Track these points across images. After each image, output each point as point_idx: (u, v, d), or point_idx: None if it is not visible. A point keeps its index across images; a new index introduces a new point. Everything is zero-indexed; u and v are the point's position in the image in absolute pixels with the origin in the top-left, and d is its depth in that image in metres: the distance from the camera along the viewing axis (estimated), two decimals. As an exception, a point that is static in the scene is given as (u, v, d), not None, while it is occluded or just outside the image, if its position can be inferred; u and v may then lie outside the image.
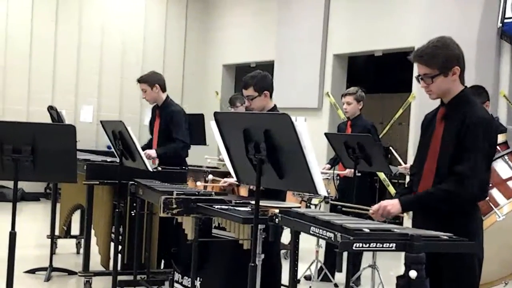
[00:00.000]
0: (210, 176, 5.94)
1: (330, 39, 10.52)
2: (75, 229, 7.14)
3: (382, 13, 9.58)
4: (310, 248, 6.22)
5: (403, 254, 2.57)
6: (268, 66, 11.22)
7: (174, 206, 3.99)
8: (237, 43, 12.76)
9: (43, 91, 11.87)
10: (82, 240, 5.93)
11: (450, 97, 3.20)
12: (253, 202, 3.21)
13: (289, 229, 3.40)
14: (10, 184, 3.64)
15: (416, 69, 3.27)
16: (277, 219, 3.25)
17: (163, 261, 5.72)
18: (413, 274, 2.49)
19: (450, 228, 2.84)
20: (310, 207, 6.05)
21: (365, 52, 10.34)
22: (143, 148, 5.42)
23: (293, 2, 11.13)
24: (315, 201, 6.09)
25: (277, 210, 3.41)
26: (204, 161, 7.89)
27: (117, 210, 5.01)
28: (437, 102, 3.31)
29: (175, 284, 4.82)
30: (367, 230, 2.58)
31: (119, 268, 5.16)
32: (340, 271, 2.70)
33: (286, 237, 5.23)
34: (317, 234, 2.81)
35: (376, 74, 12.85)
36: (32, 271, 5.99)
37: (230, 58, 13.06)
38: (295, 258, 3.37)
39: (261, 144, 2.93)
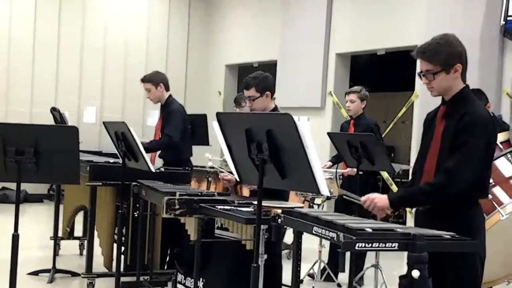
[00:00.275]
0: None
1: (333, 38, 10.52)
2: (78, 231, 7.14)
3: (384, 11, 9.57)
4: (313, 248, 6.21)
5: (406, 253, 2.56)
6: (271, 66, 11.22)
7: (177, 207, 3.99)
8: (239, 43, 12.76)
9: (46, 93, 11.88)
10: (85, 241, 5.95)
11: (451, 95, 3.20)
12: (255, 202, 3.21)
13: (292, 229, 3.39)
14: (13, 185, 3.63)
15: (419, 66, 3.27)
16: (279, 219, 3.25)
17: (166, 262, 5.72)
18: (415, 273, 2.48)
19: (452, 225, 2.85)
20: (313, 207, 6.05)
21: (368, 51, 10.33)
22: None
23: (295, 2, 11.12)
24: (318, 200, 6.09)
25: (279, 210, 3.40)
26: (206, 160, 7.88)
27: (120, 211, 5.01)
28: (440, 100, 3.31)
29: (178, 285, 4.81)
30: (369, 230, 2.58)
31: (122, 269, 5.16)
32: (343, 271, 2.70)
33: (289, 237, 5.23)
34: (320, 234, 2.81)
35: (379, 73, 12.83)
36: (35, 273, 6.00)
37: (233, 58, 13.06)
38: (298, 258, 3.36)
39: (263, 144, 2.93)
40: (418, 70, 3.28)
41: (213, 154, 8.34)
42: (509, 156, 4.55)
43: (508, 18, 7.75)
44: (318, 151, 2.81)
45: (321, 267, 6.24)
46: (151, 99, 6.33)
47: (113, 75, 12.59)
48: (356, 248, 2.50)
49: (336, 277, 6.18)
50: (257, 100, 4.49)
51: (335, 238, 2.63)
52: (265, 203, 3.42)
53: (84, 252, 6.35)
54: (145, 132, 11.82)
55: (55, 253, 6.10)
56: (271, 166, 2.95)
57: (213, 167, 5.66)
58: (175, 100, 6.33)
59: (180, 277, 4.80)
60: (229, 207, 3.84)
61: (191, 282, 4.58)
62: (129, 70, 12.58)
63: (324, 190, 2.86)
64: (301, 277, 4.30)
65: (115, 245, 5.49)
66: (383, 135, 7.30)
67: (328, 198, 5.80)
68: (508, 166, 4.53)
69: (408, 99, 9.38)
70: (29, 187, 11.15)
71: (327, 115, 10.58)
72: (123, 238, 5.44)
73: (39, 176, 3.62)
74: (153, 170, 4.78)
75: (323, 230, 2.76)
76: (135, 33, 12.81)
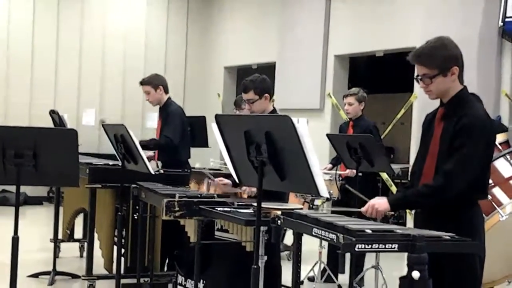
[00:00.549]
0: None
1: (331, 40, 10.52)
2: (78, 233, 7.14)
3: (382, 13, 9.58)
4: (313, 249, 6.21)
5: (406, 254, 2.57)
6: (270, 68, 11.22)
7: (177, 208, 4.00)
8: (238, 45, 12.76)
9: (45, 97, 11.87)
10: (85, 243, 5.94)
11: (449, 97, 3.20)
12: (255, 204, 3.21)
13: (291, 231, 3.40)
14: (12, 188, 3.63)
15: (416, 70, 3.27)
16: (279, 221, 3.25)
17: (166, 264, 5.72)
18: (416, 274, 2.49)
19: (451, 226, 2.86)
20: (313, 208, 6.05)
21: (366, 52, 10.33)
22: None
23: (294, 4, 11.12)
24: (318, 202, 6.09)
25: (279, 212, 3.41)
26: (207, 163, 7.90)
27: (120, 213, 5.01)
28: (439, 101, 3.31)
29: (178, 287, 4.82)
30: (369, 231, 2.59)
31: (122, 271, 5.17)
32: (343, 272, 2.71)
33: (289, 238, 5.23)
34: (320, 236, 2.81)
35: (378, 75, 12.83)
36: (35, 275, 5.99)
37: (232, 60, 13.06)
38: (298, 260, 3.37)
39: (262, 146, 2.93)
40: (415, 74, 3.28)
41: (213, 156, 8.38)
42: (508, 157, 4.56)
43: (506, 20, 7.75)
44: (317, 152, 2.81)
45: (321, 268, 6.24)
46: (150, 102, 6.34)
47: (112, 78, 12.58)
48: (356, 249, 2.51)
49: (337, 278, 6.18)
50: (256, 102, 4.51)
51: (335, 240, 2.64)
52: (264, 204, 3.42)
53: (84, 254, 6.36)
54: (144, 135, 11.82)
55: (55, 255, 6.10)
56: (270, 168, 2.96)
57: (211, 169, 5.68)
58: (174, 102, 6.35)
59: (180, 279, 4.80)
60: (228, 209, 3.84)
61: (191, 284, 4.59)
62: (128, 72, 12.58)
63: (324, 191, 2.87)
64: (301, 279, 4.31)
65: (115, 247, 5.49)
66: (382, 137, 7.30)
67: (327, 199, 5.80)
68: (507, 166, 4.54)
69: (407, 101, 9.38)
70: (28, 190, 11.14)
71: (326, 117, 10.58)
72: (123, 240, 5.44)
73: (39, 179, 3.61)
74: (152, 172, 4.78)
75: (323, 232, 2.77)
76: (133, 36, 12.80)
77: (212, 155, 8.86)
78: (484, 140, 3.08)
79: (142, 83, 6.28)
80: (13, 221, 3.55)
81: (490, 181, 3.60)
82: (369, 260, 6.09)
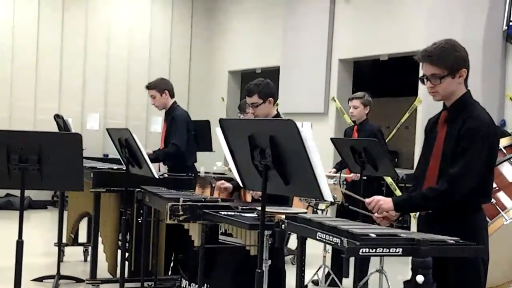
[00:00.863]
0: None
1: (335, 44, 10.52)
2: (82, 237, 7.15)
3: (386, 17, 9.58)
4: (317, 253, 6.20)
5: (411, 258, 2.56)
6: (274, 72, 11.23)
7: (181, 213, 4.00)
8: (242, 49, 12.77)
9: (50, 100, 11.90)
10: (90, 247, 5.94)
11: (453, 100, 3.20)
12: (259, 208, 3.21)
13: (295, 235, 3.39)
14: (17, 192, 3.64)
15: (421, 70, 3.26)
16: (283, 225, 3.25)
17: (170, 268, 5.72)
18: (420, 279, 2.48)
19: (455, 230, 2.86)
20: (317, 212, 6.04)
21: (371, 56, 10.33)
22: None
23: (298, 8, 11.13)
24: (322, 206, 6.08)
25: (283, 216, 3.40)
26: (212, 167, 7.89)
27: (124, 217, 5.02)
28: (442, 105, 3.31)
29: (183, 291, 4.82)
30: (373, 235, 2.58)
31: (126, 275, 5.17)
32: (347, 276, 2.70)
33: (293, 242, 5.23)
34: (324, 240, 2.81)
35: (382, 79, 12.83)
36: (39, 279, 6.00)
37: (236, 64, 13.07)
38: (302, 264, 3.36)
39: (266, 150, 2.92)
40: (421, 74, 3.26)
41: (217, 161, 8.38)
42: (512, 160, 4.55)
43: (511, 23, 7.75)
44: (321, 156, 2.80)
45: (325, 272, 6.23)
46: (156, 106, 6.36)
47: (117, 82, 12.60)
48: (360, 253, 2.51)
49: (341, 282, 6.17)
50: (260, 106, 4.52)
51: (339, 244, 2.63)
52: (268, 208, 3.42)
53: (89, 258, 6.35)
54: (148, 139, 11.84)
55: (60, 259, 6.10)
56: (275, 172, 2.95)
57: (216, 174, 5.69)
58: (179, 107, 6.36)
59: (184, 283, 4.80)
60: (232, 213, 3.84)
61: (195, 288, 4.59)
62: (132, 76, 12.61)
63: (328, 196, 2.86)
64: (305, 283, 4.30)
65: (119, 251, 5.50)
66: (386, 140, 7.29)
67: (331, 203, 5.79)
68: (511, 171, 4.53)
69: (411, 105, 9.38)
70: (33, 194, 11.15)
71: (330, 121, 10.58)
72: (127, 244, 5.45)
73: (43, 183, 3.61)
74: (156, 176, 4.78)
75: (327, 236, 2.76)
76: (138, 40, 12.83)
77: (217, 159, 8.86)
78: (488, 143, 3.07)
79: (148, 87, 6.30)
80: (17, 225, 3.56)
81: (495, 185, 3.59)
82: (374, 264, 6.08)
